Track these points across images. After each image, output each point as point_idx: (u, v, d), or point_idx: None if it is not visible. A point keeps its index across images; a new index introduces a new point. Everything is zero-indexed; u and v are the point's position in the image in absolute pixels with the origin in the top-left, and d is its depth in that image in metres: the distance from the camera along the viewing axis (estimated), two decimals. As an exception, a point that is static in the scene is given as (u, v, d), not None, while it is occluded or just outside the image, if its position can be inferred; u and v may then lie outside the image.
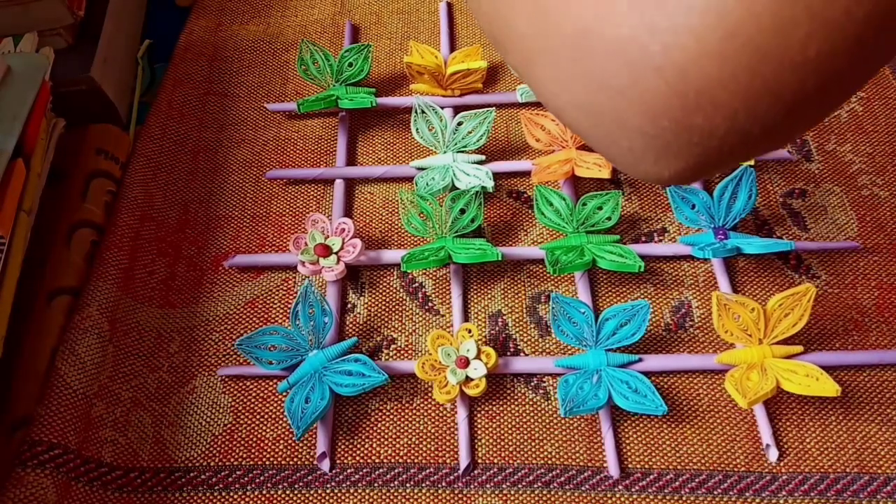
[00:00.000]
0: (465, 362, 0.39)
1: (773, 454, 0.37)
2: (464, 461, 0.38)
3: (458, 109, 0.50)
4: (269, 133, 0.51)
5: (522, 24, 0.25)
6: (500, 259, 0.41)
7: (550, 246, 0.43)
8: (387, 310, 0.43)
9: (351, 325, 0.43)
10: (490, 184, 0.45)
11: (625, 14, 0.20)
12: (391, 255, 0.44)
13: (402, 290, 0.44)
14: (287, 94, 0.53)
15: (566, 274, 0.42)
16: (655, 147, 0.22)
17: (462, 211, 0.43)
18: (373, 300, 0.44)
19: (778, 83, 0.20)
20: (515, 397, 0.40)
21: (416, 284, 0.44)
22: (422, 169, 0.47)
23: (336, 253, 0.43)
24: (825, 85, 0.20)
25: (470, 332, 0.40)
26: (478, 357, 0.39)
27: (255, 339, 0.40)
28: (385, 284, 0.44)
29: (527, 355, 0.41)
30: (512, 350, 0.41)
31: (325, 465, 0.38)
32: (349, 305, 0.44)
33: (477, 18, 0.29)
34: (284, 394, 0.40)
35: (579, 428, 0.39)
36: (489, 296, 0.43)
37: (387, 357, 0.42)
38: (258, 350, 0.40)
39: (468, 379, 0.39)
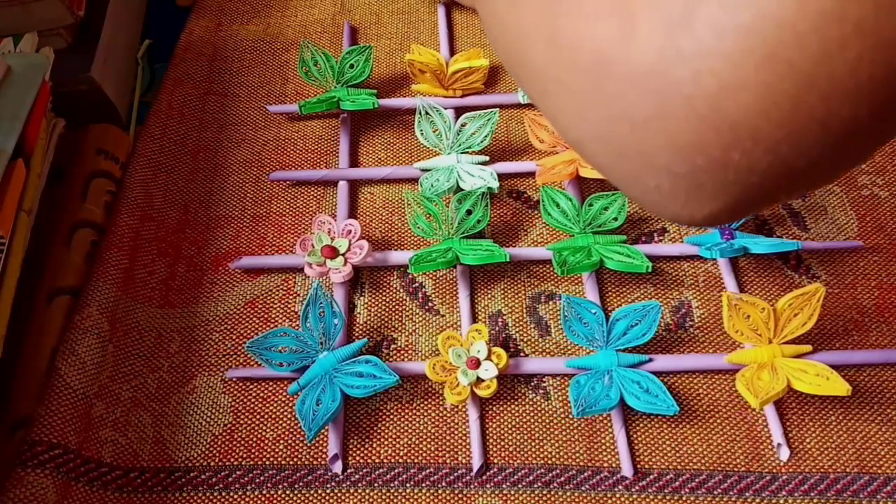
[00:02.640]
0: (475, 363, 0.39)
1: (784, 453, 0.37)
2: (476, 462, 0.37)
3: (459, 110, 0.50)
4: (270, 133, 0.51)
5: (538, 54, 0.23)
6: (507, 260, 0.41)
7: (558, 246, 0.43)
8: (387, 310, 0.43)
9: (350, 325, 0.43)
10: (495, 184, 0.45)
11: (647, 36, 0.18)
12: (398, 257, 0.44)
13: (402, 291, 0.44)
14: (287, 94, 0.53)
15: (573, 275, 0.42)
16: (686, 187, 0.20)
17: (468, 212, 0.43)
18: (373, 300, 0.44)
19: (826, 112, 0.17)
20: (515, 397, 0.40)
21: (416, 285, 0.44)
22: (426, 170, 0.47)
23: (343, 255, 0.43)
24: (881, 112, 0.17)
25: (480, 332, 0.40)
26: (488, 358, 0.39)
27: (266, 341, 0.40)
28: (385, 285, 0.44)
29: (526, 355, 0.41)
30: (512, 350, 0.41)
31: (338, 467, 0.38)
32: (349, 305, 0.44)
33: (496, 52, 0.27)
34: (295, 395, 0.40)
35: (579, 428, 0.39)
36: (489, 296, 0.43)
37: (386, 357, 0.42)
38: (268, 352, 0.40)
39: (479, 380, 0.39)
